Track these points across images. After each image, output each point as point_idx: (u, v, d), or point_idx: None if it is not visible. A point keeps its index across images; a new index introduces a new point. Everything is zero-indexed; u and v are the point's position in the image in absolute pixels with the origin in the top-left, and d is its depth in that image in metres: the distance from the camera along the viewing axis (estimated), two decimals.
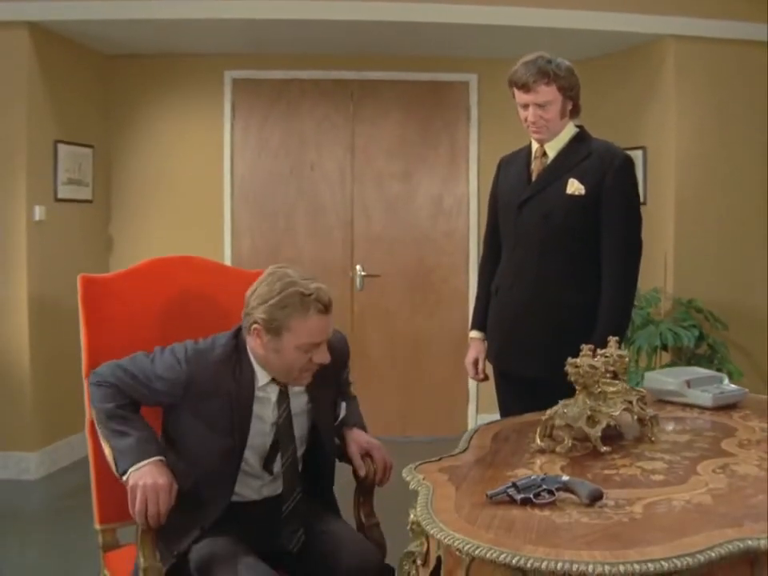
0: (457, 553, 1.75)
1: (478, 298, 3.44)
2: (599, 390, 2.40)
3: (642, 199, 5.62)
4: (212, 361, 2.40)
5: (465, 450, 2.38)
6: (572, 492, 1.94)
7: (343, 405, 2.65)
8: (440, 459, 2.28)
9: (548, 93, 3.03)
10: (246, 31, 5.51)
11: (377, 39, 5.67)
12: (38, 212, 5.24)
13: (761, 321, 5.57)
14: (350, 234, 6.23)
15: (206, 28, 5.38)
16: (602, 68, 6.04)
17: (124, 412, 2.38)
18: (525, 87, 3.04)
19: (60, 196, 5.49)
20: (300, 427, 2.52)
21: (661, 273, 5.55)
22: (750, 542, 1.69)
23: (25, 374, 5.21)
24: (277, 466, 2.49)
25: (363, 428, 2.71)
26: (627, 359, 2.53)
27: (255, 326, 2.36)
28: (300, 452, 2.55)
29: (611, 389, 2.45)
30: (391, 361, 6.31)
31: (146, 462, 2.30)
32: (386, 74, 6.21)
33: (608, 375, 2.45)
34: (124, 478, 2.30)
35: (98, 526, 2.73)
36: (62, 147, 5.48)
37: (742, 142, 5.58)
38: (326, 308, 2.39)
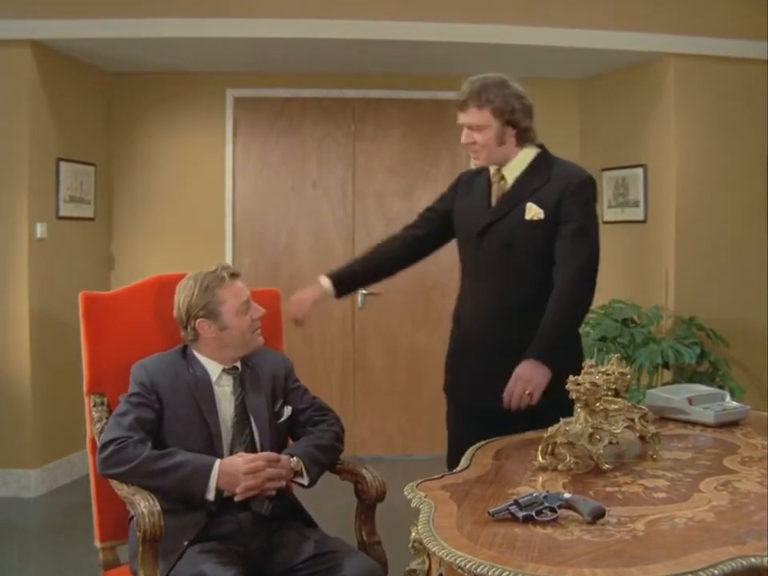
0: (459, 570, 1.74)
1: (358, 257, 3.31)
2: (601, 407, 2.40)
3: (642, 217, 5.70)
4: (165, 364, 2.68)
5: (466, 468, 2.37)
6: (574, 509, 1.93)
7: (288, 408, 2.78)
8: (442, 477, 2.27)
9: (479, 116, 2.93)
10: (248, 50, 5.54)
11: (378, 58, 5.70)
12: (40, 229, 5.26)
13: (762, 338, 5.57)
14: (351, 251, 6.23)
15: (208, 47, 5.40)
16: (603, 86, 6.07)
17: (157, 452, 2.50)
18: (459, 107, 2.98)
19: (62, 213, 5.50)
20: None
21: (662, 290, 5.55)
22: (753, 560, 1.68)
23: (26, 391, 5.20)
24: (240, 447, 2.62)
25: (309, 458, 2.64)
26: (629, 377, 2.53)
27: (199, 320, 2.66)
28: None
29: (613, 406, 2.44)
30: (392, 378, 6.30)
31: (215, 470, 2.47)
32: (388, 92, 6.23)
33: (610, 393, 2.45)
34: (213, 496, 2.46)
35: (98, 544, 2.74)
36: (64, 165, 5.50)
37: (743, 160, 5.60)
38: (233, 273, 2.73)
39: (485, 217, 3.01)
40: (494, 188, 3.05)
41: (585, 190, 2.96)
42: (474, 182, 3.16)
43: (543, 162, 3.02)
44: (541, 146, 3.07)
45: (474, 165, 2.99)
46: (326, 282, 3.18)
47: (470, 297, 3.11)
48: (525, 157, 3.02)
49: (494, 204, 3.03)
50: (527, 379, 2.74)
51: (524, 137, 3.00)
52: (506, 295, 2.98)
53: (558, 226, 2.90)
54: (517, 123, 2.95)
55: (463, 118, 2.98)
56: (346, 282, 3.24)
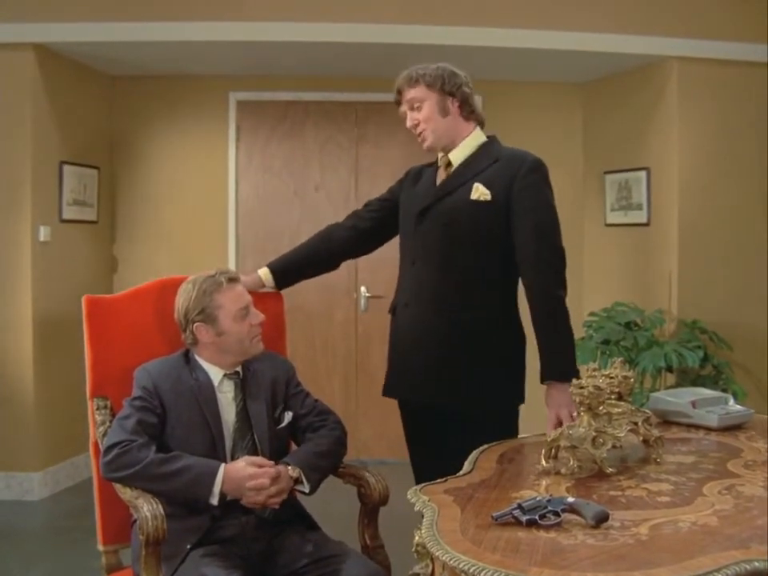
0: (462, 574, 1.74)
1: (301, 247, 3.21)
2: (604, 411, 2.40)
3: (645, 220, 5.70)
4: (168, 368, 2.67)
5: (470, 472, 2.37)
6: (578, 513, 1.93)
7: (288, 414, 2.75)
8: (445, 481, 2.27)
9: (415, 92, 2.91)
10: (251, 53, 5.54)
11: (381, 61, 5.69)
12: (43, 232, 5.26)
13: (764, 341, 5.56)
14: None
15: (210, 50, 5.41)
16: (606, 89, 6.07)
17: (162, 456, 2.49)
18: (396, 101, 3.00)
19: (65, 217, 5.51)
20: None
21: (665, 294, 5.54)
22: (757, 564, 1.68)
23: (29, 394, 5.20)
24: (242, 453, 2.61)
25: (308, 466, 2.62)
26: (632, 380, 2.53)
27: (197, 324, 2.64)
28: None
29: (616, 410, 2.44)
30: None
31: (220, 475, 2.45)
32: (390, 96, 6.18)
33: (613, 396, 2.45)
34: (217, 501, 2.46)
35: (101, 547, 2.74)
36: (67, 168, 5.51)
37: (745, 163, 5.60)
38: (233, 278, 2.71)
39: (427, 197, 2.91)
40: (440, 172, 2.98)
41: (539, 171, 2.83)
42: (423, 173, 3.07)
43: (491, 146, 2.93)
44: (492, 137, 2.99)
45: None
46: (265, 273, 3.09)
47: (406, 283, 2.97)
48: (473, 141, 2.94)
49: (438, 185, 2.94)
50: (564, 404, 2.68)
51: (467, 109, 2.94)
52: (444, 279, 2.84)
53: (512, 214, 2.78)
54: (453, 92, 2.90)
55: (404, 104, 2.99)
56: (289, 273, 3.13)
